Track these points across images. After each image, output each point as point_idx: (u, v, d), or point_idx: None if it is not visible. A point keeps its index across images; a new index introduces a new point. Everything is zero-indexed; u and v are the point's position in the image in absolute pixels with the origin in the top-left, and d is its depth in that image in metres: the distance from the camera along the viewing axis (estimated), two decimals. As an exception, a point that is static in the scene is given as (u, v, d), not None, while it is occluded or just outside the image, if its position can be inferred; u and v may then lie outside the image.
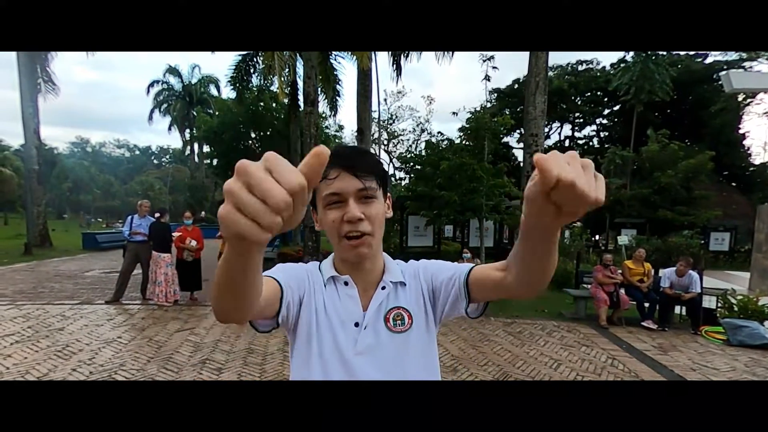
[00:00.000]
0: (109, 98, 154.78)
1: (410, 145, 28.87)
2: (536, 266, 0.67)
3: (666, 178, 17.87)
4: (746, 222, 17.65)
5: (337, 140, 20.72)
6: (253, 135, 21.30)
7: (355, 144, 13.36)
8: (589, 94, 28.16)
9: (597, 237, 22.41)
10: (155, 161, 73.01)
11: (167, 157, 71.78)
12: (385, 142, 30.69)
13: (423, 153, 10.84)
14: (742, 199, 23.04)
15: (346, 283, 0.91)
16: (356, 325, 0.88)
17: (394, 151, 29.56)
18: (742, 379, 4.39)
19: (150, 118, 38.24)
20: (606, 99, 27.75)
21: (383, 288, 0.91)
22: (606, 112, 29.08)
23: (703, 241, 15.98)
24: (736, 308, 6.31)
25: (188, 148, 42.45)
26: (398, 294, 0.92)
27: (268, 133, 20.93)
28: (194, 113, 35.51)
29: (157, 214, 6.90)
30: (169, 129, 39.78)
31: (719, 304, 6.64)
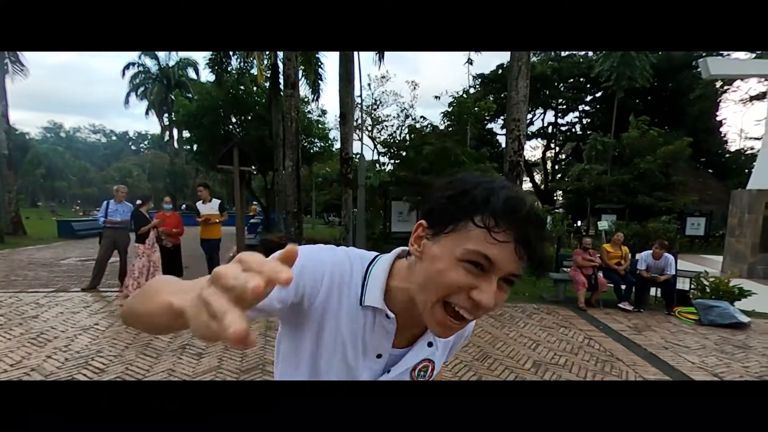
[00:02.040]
0: (82, 81, 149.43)
1: (394, 131, 28.72)
2: None
3: (645, 164, 18.21)
4: (721, 207, 18.16)
5: (320, 125, 20.42)
6: (233, 119, 20.87)
7: (338, 128, 13.15)
8: (571, 80, 28.29)
9: (579, 223, 22.81)
10: (133, 147, 71.17)
11: (145, 142, 70.03)
12: (369, 128, 30.48)
13: (406, 138, 10.78)
14: (718, 185, 23.66)
15: (387, 317, 0.75)
16: (378, 356, 0.77)
17: (378, 137, 29.40)
18: (710, 356, 4.55)
19: (126, 101, 37.17)
20: (588, 85, 27.95)
21: (429, 345, 0.80)
22: (588, 98, 29.32)
23: (679, 226, 16.40)
24: (708, 289, 6.52)
25: (167, 133, 41.47)
26: (433, 348, 0.82)
27: (249, 117, 20.55)
28: (172, 97, 34.59)
29: (138, 202, 6.65)
30: (147, 113, 38.81)
31: (692, 286, 6.85)
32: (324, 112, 29.49)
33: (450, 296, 0.63)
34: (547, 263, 0.66)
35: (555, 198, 33.91)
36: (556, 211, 23.89)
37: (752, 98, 25.61)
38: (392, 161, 17.13)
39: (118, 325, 4.78)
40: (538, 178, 35.99)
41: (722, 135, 27.65)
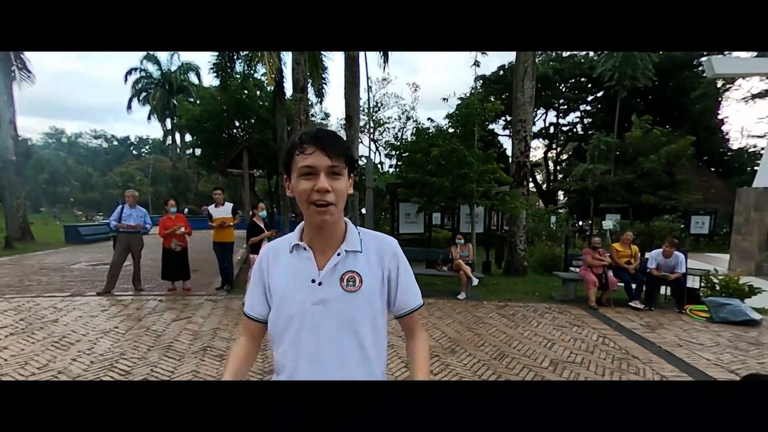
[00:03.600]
0: (82, 87, 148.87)
1: (396, 133, 28.77)
2: None
3: (649, 163, 18.22)
4: (725, 206, 18.18)
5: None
6: (237, 123, 20.90)
7: (343, 131, 13.28)
8: (573, 80, 28.39)
9: (581, 222, 22.82)
10: (134, 152, 71.22)
11: (147, 147, 70.14)
12: (371, 130, 30.50)
13: (411, 140, 10.83)
14: (721, 183, 23.65)
15: (305, 248, 1.09)
16: (313, 281, 1.06)
17: (380, 139, 29.47)
18: (725, 353, 4.59)
19: (129, 107, 37.24)
20: (590, 85, 28.02)
21: (338, 254, 1.08)
22: (590, 98, 29.37)
23: (683, 225, 16.41)
24: (718, 287, 6.56)
25: (169, 137, 41.55)
26: (351, 260, 1.09)
27: (253, 121, 20.59)
28: (175, 102, 34.70)
29: (251, 211, 6.56)
30: (149, 118, 38.78)
31: (702, 284, 6.88)
32: (327, 115, 29.56)
33: (309, 199, 0.99)
34: (350, 154, 1.04)
35: (557, 198, 33.93)
36: (560, 211, 23.92)
37: (754, 96, 25.61)
38: (397, 163, 17.19)
39: (137, 328, 4.83)
40: (540, 178, 36.03)
41: (724, 133, 27.64)
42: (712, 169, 26.38)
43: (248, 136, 19.35)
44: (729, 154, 27.42)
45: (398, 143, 19.07)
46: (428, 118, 22.30)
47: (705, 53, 21.82)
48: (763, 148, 12.93)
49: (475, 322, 5.59)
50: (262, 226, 6.35)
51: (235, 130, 20.49)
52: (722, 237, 16.97)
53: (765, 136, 11.62)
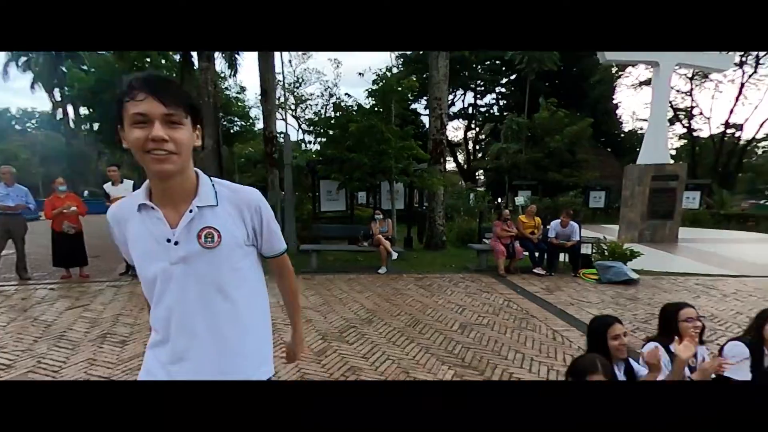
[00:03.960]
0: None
1: (318, 111, 28.15)
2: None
3: (554, 143, 19.75)
4: (618, 182, 20.28)
5: (239, 103, 19.27)
6: (141, 95, 18.98)
7: (259, 106, 12.67)
8: (488, 62, 29.63)
9: (499, 199, 24.26)
10: (17, 126, 62.06)
11: (33, 121, 61.53)
12: (293, 107, 29.53)
13: (332, 116, 10.65)
14: (616, 162, 26.34)
15: (152, 208, 1.02)
16: (168, 240, 1.01)
17: (303, 116, 28.70)
18: (608, 308, 5.18)
19: (5, 73, 32.24)
20: (504, 68, 29.44)
21: (191, 211, 1.02)
22: (504, 80, 30.91)
23: (583, 200, 18.15)
24: (606, 252, 7.35)
25: (60, 110, 36.75)
26: (208, 215, 1.04)
27: (160, 93, 18.84)
28: (64, 69, 30.65)
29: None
30: (32, 87, 33.97)
31: (594, 250, 7.68)
32: (243, 89, 28.02)
33: (144, 148, 0.92)
34: (192, 102, 0.98)
35: (477, 177, 35.64)
36: (478, 189, 25.19)
37: (641, 83, 28.73)
38: (318, 140, 16.87)
39: (22, 319, 4.30)
40: (461, 157, 37.50)
41: (618, 116, 30.76)
42: (608, 149, 29.28)
43: (154, 110, 17.75)
44: (622, 135, 30.63)
45: (317, 119, 18.63)
46: (345, 93, 22.01)
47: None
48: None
49: (393, 294, 5.73)
50: None
51: (138, 103, 18.66)
52: (616, 210, 18.97)
53: (648, 119, 13.26)
